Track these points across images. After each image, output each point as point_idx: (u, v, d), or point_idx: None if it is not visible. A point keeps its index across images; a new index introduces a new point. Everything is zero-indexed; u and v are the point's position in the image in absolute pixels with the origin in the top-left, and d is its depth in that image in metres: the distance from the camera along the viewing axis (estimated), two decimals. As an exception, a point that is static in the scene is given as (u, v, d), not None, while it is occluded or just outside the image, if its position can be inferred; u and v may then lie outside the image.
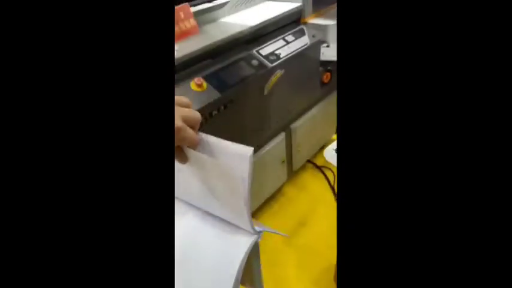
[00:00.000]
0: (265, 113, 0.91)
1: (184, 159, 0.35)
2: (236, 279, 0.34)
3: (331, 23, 1.06)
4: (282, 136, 1.02)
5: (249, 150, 0.30)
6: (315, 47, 0.98)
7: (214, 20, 0.94)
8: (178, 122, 0.31)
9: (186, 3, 0.87)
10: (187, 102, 0.34)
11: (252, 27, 0.86)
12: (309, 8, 1.07)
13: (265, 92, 0.87)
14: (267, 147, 0.98)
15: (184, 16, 0.84)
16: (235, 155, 0.31)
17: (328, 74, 1.07)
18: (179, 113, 0.32)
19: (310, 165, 1.28)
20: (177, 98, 0.33)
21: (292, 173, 1.19)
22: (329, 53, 1.04)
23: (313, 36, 0.98)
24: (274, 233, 0.43)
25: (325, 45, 1.06)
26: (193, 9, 0.87)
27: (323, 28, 1.07)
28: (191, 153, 0.34)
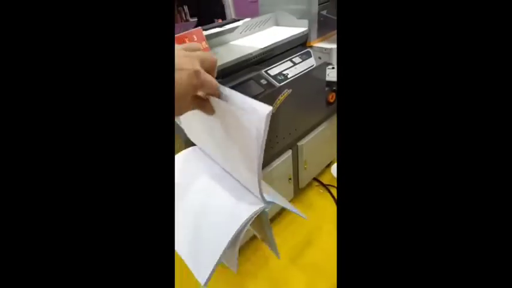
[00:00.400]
0: (273, 130, 0.94)
1: (210, 110, 0.32)
2: (231, 243, 0.34)
3: (335, 46, 1.11)
4: (288, 153, 1.04)
5: (267, 108, 0.29)
6: (320, 68, 1.02)
7: (225, 43, 0.99)
8: (195, 65, 0.28)
9: (200, 28, 0.93)
10: (199, 47, 0.32)
11: (260, 49, 0.91)
12: (314, 32, 1.13)
13: (273, 110, 0.90)
14: (274, 164, 1.00)
15: (197, 39, 0.89)
16: (254, 109, 0.29)
17: (334, 94, 1.11)
18: (195, 56, 0.29)
19: (316, 183, 1.29)
20: (187, 44, 0.30)
21: (299, 191, 1.20)
22: (334, 74, 1.09)
23: (319, 58, 1.02)
24: (291, 210, 0.42)
25: (330, 66, 1.11)
26: (205, 33, 0.93)
27: (328, 51, 1.12)
28: (215, 101, 0.31)
